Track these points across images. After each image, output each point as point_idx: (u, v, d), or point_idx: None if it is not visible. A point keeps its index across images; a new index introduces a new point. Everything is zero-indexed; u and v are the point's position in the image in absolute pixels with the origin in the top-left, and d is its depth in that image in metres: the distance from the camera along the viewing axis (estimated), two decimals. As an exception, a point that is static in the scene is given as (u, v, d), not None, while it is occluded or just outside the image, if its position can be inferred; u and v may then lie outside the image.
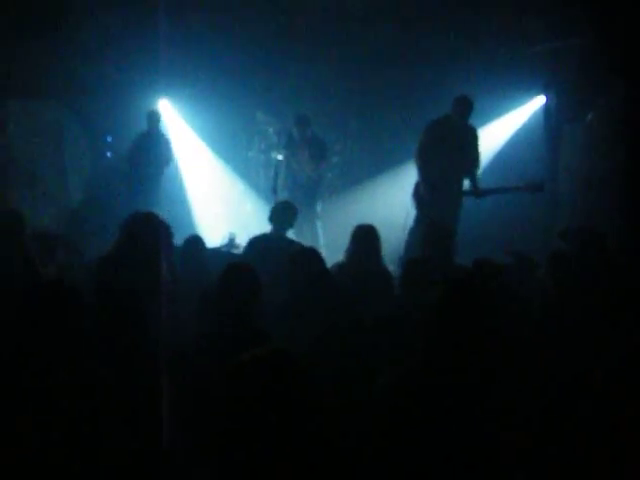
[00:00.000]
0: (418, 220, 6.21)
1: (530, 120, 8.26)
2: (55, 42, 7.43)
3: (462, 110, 6.20)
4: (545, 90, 7.88)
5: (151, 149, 8.09)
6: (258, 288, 2.96)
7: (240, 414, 1.58)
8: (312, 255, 3.75)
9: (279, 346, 1.72)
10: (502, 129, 8.28)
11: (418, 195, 6.29)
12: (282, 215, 4.99)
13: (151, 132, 8.20)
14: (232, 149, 8.99)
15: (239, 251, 6.11)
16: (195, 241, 4.56)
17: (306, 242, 5.54)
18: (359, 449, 2.09)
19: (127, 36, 8.26)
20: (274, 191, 7.06)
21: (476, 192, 6.21)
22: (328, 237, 6.96)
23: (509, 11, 6.75)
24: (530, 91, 8.05)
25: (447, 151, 6.16)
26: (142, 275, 3.65)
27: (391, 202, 7.45)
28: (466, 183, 6.45)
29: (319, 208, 7.21)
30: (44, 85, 8.26)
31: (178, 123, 9.14)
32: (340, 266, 4.26)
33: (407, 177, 6.88)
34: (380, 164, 8.50)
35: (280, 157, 8.17)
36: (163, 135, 8.37)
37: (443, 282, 2.33)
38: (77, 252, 6.08)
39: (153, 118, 8.24)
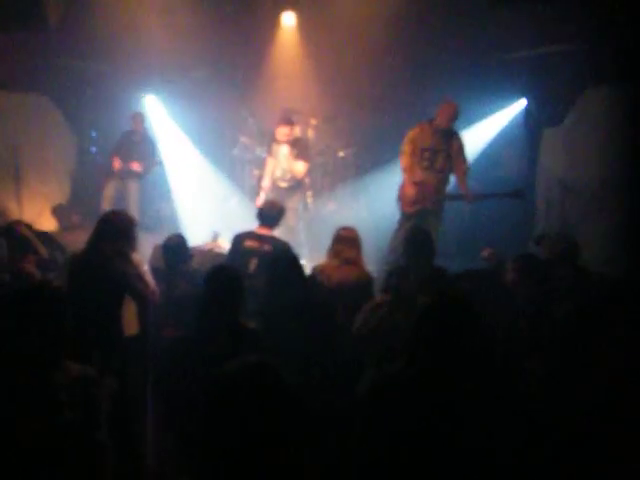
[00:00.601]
0: (401, 222, 6.30)
1: (511, 123, 8.46)
2: (39, 34, 7.38)
3: (448, 115, 6.24)
4: (526, 94, 8.05)
5: (134, 150, 8.15)
6: (241, 291, 3.03)
7: (220, 424, 1.63)
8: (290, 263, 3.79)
9: (262, 359, 1.76)
10: (483, 131, 8.42)
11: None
12: (269, 213, 5.02)
13: (135, 133, 8.27)
14: (217, 146, 9.02)
15: (221, 250, 6.16)
16: (178, 240, 4.56)
17: (288, 239, 5.57)
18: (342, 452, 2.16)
19: (113, 30, 8.28)
20: (260, 189, 7.12)
21: (467, 197, 6.24)
22: (312, 235, 7.04)
23: (492, 18, 6.81)
24: (512, 96, 8.19)
25: (431, 156, 6.23)
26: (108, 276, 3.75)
27: (381, 201, 7.53)
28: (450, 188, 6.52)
29: (302, 207, 7.29)
30: (28, 78, 8.22)
31: (163, 119, 9.13)
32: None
33: (395, 177, 6.95)
34: (368, 165, 8.61)
35: (265, 155, 8.24)
36: (148, 137, 8.42)
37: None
38: (60, 248, 6.08)
39: (137, 120, 8.31)
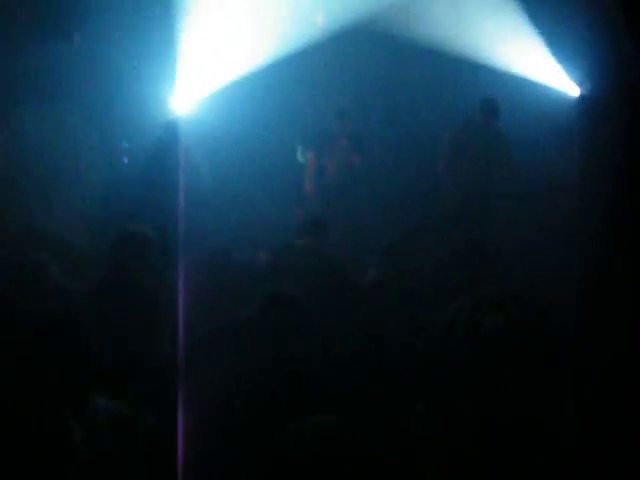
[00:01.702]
0: None
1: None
2: (70, 45, 7.25)
3: (488, 114, 5.77)
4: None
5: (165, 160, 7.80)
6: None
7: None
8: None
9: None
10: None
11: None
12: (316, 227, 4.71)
13: (167, 144, 7.95)
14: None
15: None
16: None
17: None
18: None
19: (146, 41, 8.14)
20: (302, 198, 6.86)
21: None
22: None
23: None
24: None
25: (473, 160, 5.85)
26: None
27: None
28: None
29: None
30: (59, 90, 8.13)
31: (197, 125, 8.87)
32: None
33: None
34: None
35: (302, 159, 7.94)
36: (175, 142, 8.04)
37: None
38: (92, 261, 5.91)
39: (169, 130, 8.02)
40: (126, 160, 9.30)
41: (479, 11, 6.70)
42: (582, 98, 7.40)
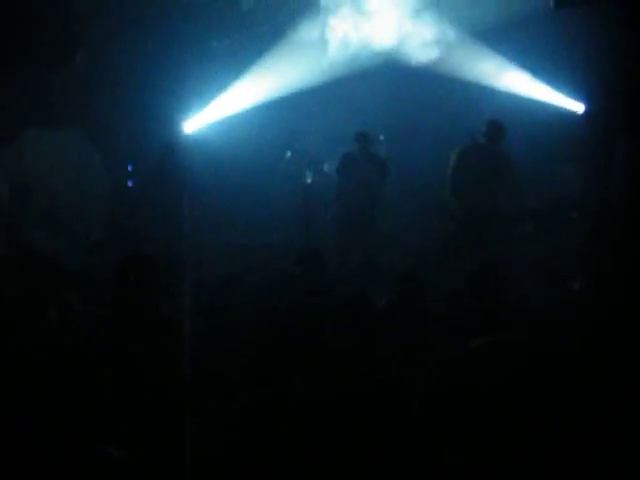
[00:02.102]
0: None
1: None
2: (73, 70, 7.25)
3: (493, 134, 6.05)
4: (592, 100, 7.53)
5: (169, 181, 7.78)
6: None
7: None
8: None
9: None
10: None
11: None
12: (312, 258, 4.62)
13: (168, 164, 7.92)
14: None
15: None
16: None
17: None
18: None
19: (147, 63, 8.15)
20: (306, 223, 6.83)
21: None
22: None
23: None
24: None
25: (478, 180, 6.02)
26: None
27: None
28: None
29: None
30: (62, 114, 8.12)
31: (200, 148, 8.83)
32: None
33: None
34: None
35: (309, 180, 7.92)
36: (181, 164, 7.99)
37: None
38: (100, 288, 5.80)
39: (168, 150, 7.98)
40: (131, 184, 9.26)
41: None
42: (586, 115, 7.62)
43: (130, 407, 2.81)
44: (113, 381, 2.25)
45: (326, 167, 8.18)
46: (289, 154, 8.46)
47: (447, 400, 2.86)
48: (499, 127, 6.10)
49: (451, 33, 7.10)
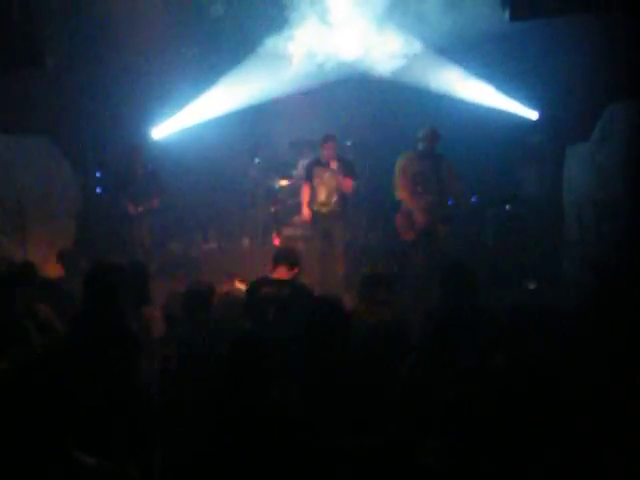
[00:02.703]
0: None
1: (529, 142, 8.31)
2: (41, 77, 7.21)
3: (431, 141, 6.56)
4: (546, 110, 7.92)
5: (143, 186, 7.74)
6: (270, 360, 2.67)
7: None
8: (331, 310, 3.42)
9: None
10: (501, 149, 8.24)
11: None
12: (286, 254, 4.67)
13: (133, 168, 7.86)
14: (226, 182, 8.78)
15: (238, 294, 5.79)
16: (201, 287, 4.24)
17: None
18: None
19: (117, 66, 8.17)
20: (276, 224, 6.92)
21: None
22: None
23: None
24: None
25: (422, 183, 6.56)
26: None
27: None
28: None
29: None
30: (30, 119, 8.05)
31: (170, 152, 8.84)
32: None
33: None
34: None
35: (284, 183, 7.98)
36: (151, 169, 7.93)
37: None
38: (70, 297, 5.76)
39: (137, 153, 7.89)
40: (99, 190, 9.22)
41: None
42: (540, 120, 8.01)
43: (100, 419, 2.82)
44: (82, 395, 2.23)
45: (294, 173, 8.28)
46: (257, 160, 8.53)
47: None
48: (433, 131, 6.55)
49: (414, 45, 7.32)
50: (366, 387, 3.07)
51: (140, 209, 7.63)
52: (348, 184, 6.70)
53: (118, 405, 2.74)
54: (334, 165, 6.69)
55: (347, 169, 6.76)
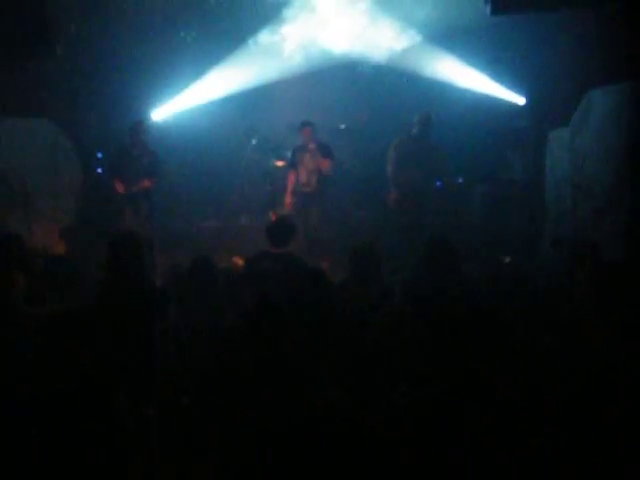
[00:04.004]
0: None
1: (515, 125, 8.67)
2: (44, 60, 7.43)
3: (424, 124, 7.23)
4: (529, 95, 8.27)
5: (138, 166, 7.66)
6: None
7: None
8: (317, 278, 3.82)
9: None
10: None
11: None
12: (279, 232, 5.00)
13: (134, 145, 7.71)
14: (225, 162, 9.06)
15: (237, 269, 6.14)
16: (204, 264, 4.56)
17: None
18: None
19: (118, 49, 8.40)
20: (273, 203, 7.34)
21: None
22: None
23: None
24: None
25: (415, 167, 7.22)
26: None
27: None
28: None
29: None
30: (34, 102, 8.29)
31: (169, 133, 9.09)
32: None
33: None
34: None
35: (280, 164, 8.32)
36: (149, 149, 7.82)
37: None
38: (73, 270, 6.09)
39: (136, 130, 7.70)
40: (100, 170, 9.49)
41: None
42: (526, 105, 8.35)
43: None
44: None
45: (289, 154, 8.59)
46: (254, 141, 8.82)
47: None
48: (426, 116, 7.21)
49: (407, 34, 7.67)
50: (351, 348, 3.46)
51: (134, 188, 7.57)
52: (325, 164, 7.32)
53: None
54: (312, 148, 7.32)
55: (324, 150, 7.35)
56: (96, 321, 2.47)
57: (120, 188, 7.60)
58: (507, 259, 4.92)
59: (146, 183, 7.61)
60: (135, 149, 7.67)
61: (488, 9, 5.26)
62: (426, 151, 7.20)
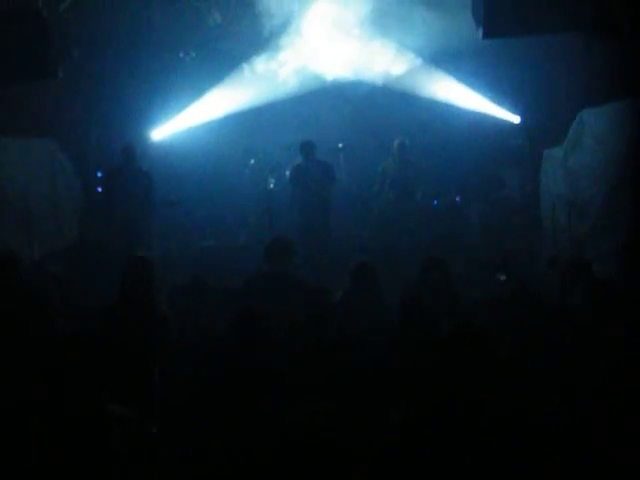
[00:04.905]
0: None
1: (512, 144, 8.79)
2: (43, 80, 7.53)
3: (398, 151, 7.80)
4: (524, 114, 8.38)
5: (126, 188, 7.66)
6: (269, 337, 3.10)
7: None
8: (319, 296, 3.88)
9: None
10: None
11: None
12: (280, 253, 5.04)
13: (126, 169, 7.76)
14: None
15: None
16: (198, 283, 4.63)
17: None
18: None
19: (116, 71, 8.51)
20: (270, 225, 7.32)
21: None
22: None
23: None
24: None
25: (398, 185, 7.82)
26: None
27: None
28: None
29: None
30: (35, 122, 8.39)
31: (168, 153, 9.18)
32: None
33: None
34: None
35: (272, 185, 8.35)
36: (140, 171, 7.80)
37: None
38: (73, 292, 6.12)
39: (127, 153, 7.73)
40: (100, 189, 9.55)
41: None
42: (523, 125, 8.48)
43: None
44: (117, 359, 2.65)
45: (287, 174, 8.67)
46: (253, 161, 8.90)
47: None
48: (399, 144, 7.80)
49: (405, 55, 7.81)
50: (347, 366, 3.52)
51: (130, 214, 7.56)
52: (326, 186, 7.28)
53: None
54: (313, 167, 7.30)
55: (325, 171, 7.33)
56: (103, 342, 2.54)
57: (120, 215, 7.61)
58: (503, 277, 4.98)
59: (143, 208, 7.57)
60: (128, 171, 7.67)
61: (480, 33, 5.34)
62: (402, 170, 7.71)
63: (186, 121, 9.03)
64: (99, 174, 9.68)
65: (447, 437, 2.36)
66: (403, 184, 7.83)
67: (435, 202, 7.86)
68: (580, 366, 3.29)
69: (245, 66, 8.48)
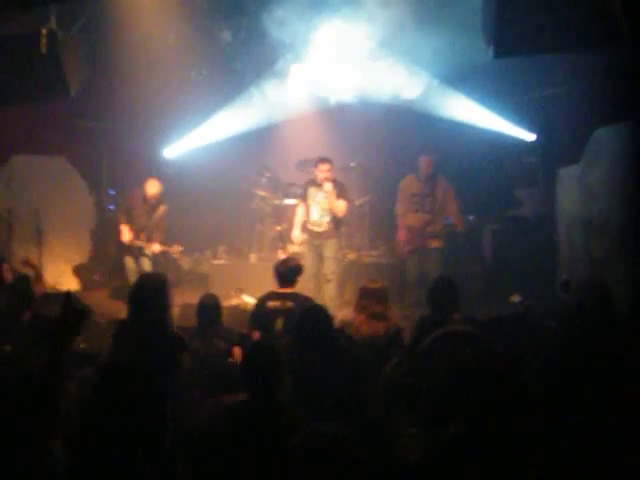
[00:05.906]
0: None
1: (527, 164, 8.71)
2: (55, 99, 7.59)
3: (426, 166, 7.28)
4: (540, 134, 8.30)
5: (147, 220, 7.47)
6: (279, 365, 3.02)
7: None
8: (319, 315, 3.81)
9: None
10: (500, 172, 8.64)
11: None
12: (285, 272, 5.00)
13: (149, 200, 7.46)
14: (234, 201, 9.12)
15: (246, 307, 6.12)
16: (212, 299, 4.58)
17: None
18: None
19: (126, 89, 8.56)
20: (283, 244, 7.24)
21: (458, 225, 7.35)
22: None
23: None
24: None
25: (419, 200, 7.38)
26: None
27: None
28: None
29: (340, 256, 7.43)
30: (47, 140, 8.46)
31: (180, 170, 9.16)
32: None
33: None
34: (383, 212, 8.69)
35: (290, 202, 8.23)
36: (161, 201, 7.50)
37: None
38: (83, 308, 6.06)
39: (152, 185, 7.44)
40: (112, 207, 9.59)
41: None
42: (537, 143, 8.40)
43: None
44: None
45: (299, 192, 8.61)
46: (265, 179, 8.87)
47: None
48: (426, 161, 7.28)
49: (417, 74, 7.74)
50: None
51: (138, 243, 7.32)
52: (340, 206, 6.79)
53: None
54: (328, 187, 6.75)
55: (340, 191, 6.84)
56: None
57: (125, 237, 7.29)
58: (517, 298, 4.86)
59: (154, 247, 7.32)
60: (149, 202, 7.43)
61: (491, 52, 5.24)
62: (430, 190, 7.26)
63: (199, 139, 9.06)
64: (111, 192, 9.75)
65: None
66: (430, 203, 7.34)
67: (448, 220, 7.71)
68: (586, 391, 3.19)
69: (256, 85, 8.48)
